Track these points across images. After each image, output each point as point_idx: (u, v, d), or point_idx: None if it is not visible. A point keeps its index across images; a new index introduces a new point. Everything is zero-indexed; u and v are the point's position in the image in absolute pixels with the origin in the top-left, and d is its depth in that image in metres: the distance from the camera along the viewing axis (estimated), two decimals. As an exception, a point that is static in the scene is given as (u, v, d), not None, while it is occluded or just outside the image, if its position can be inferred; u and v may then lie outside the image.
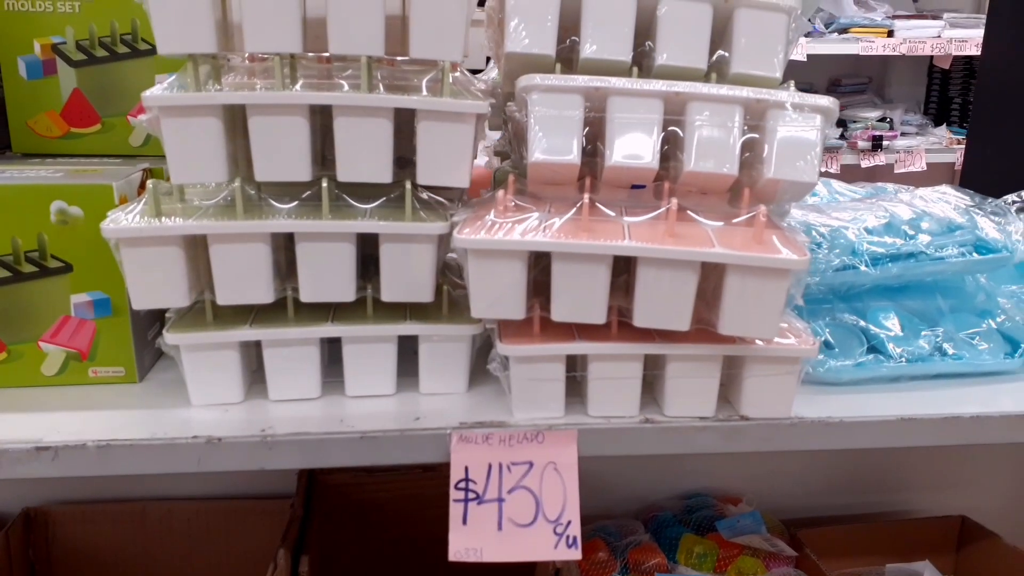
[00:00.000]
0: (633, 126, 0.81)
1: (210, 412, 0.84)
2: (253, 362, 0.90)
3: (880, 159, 3.96)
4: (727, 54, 0.85)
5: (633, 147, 0.80)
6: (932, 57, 4.07)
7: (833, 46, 3.75)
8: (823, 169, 4.12)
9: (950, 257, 0.96)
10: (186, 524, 1.21)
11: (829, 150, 3.92)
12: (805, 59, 3.64)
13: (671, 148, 0.85)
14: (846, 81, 4.26)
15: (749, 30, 0.83)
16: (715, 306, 0.79)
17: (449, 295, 0.88)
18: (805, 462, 1.31)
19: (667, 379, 0.83)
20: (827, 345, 0.94)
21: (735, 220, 0.80)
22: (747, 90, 0.81)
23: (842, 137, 3.98)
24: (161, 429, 0.80)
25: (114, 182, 0.86)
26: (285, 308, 0.86)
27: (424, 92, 0.82)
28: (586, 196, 0.78)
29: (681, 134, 0.82)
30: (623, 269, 0.83)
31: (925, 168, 4.01)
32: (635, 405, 0.84)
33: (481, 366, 0.86)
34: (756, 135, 0.82)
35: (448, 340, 0.87)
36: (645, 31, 0.85)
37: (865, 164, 3.95)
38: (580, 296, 0.78)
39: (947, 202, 1.06)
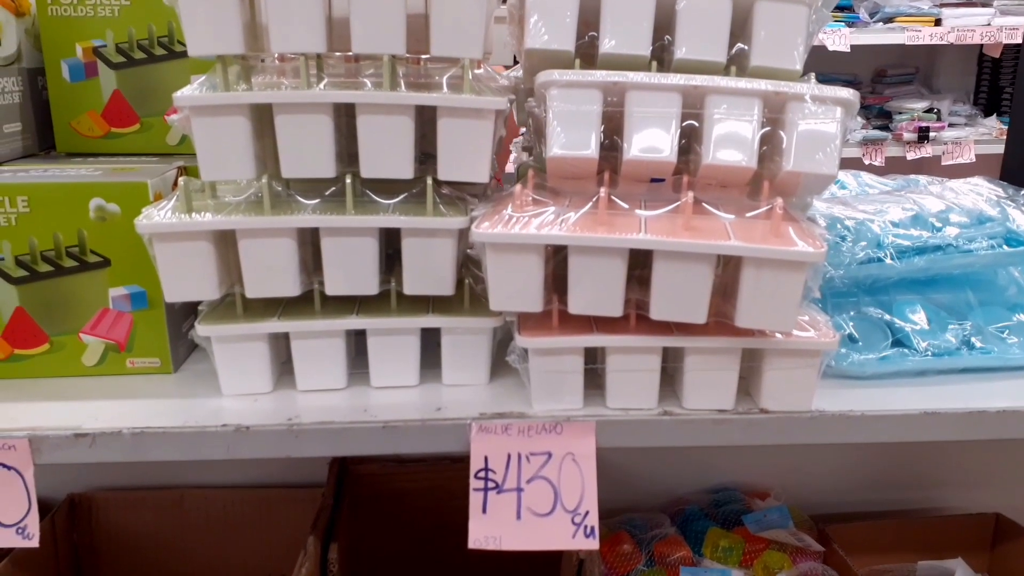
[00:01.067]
0: (651, 120, 0.81)
1: (240, 402, 0.87)
2: (283, 353, 0.93)
3: (927, 151, 3.87)
4: (747, 47, 0.85)
5: (651, 141, 0.81)
6: (982, 46, 3.97)
7: (878, 36, 3.67)
8: (867, 162, 4.02)
9: (979, 250, 0.95)
10: (222, 511, 1.25)
11: (873, 142, 3.85)
12: (848, 49, 3.58)
13: (691, 141, 0.86)
14: (892, 71, 4.17)
15: (769, 23, 0.83)
16: (733, 299, 0.79)
17: (471, 288, 0.90)
18: (836, 456, 1.30)
19: (686, 372, 0.83)
20: (851, 339, 0.94)
21: (752, 213, 0.81)
22: (765, 83, 0.81)
23: (887, 129, 3.90)
24: (192, 418, 0.83)
25: (149, 180, 0.89)
26: (313, 301, 0.88)
27: (445, 89, 0.83)
28: (602, 190, 0.79)
29: (700, 127, 0.82)
30: (641, 262, 0.84)
31: (974, 160, 3.91)
32: (653, 397, 0.84)
33: (503, 358, 0.87)
34: (776, 128, 0.82)
35: (469, 332, 0.88)
36: (664, 25, 0.86)
37: (911, 156, 3.87)
38: (596, 289, 0.79)
39: (979, 194, 1.04)
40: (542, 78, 0.83)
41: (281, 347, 0.91)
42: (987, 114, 4.06)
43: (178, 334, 0.95)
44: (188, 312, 0.97)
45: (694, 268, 0.76)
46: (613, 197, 0.82)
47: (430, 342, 0.91)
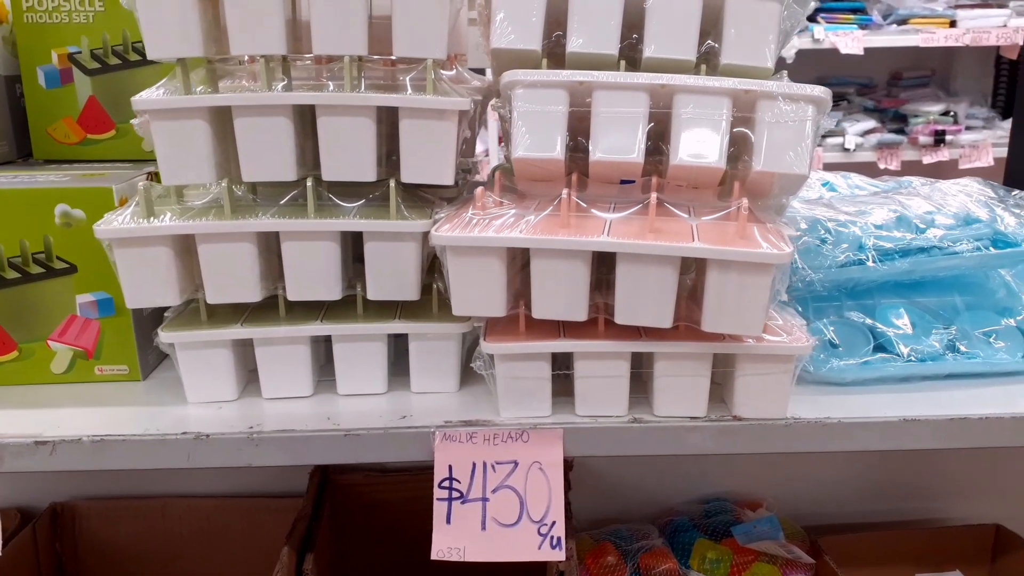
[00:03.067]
0: (618, 120, 0.79)
1: (204, 409, 0.86)
2: (251, 360, 0.91)
3: (944, 154, 3.81)
4: (717, 45, 0.83)
5: (617, 142, 0.79)
6: (999, 47, 3.91)
7: (891, 38, 3.62)
8: (882, 166, 3.97)
9: (964, 252, 0.92)
10: (205, 521, 1.24)
11: (888, 146, 3.79)
12: (862, 52, 3.53)
13: (660, 141, 0.84)
14: (908, 74, 4.11)
15: (739, 20, 0.81)
16: (702, 303, 0.77)
17: (439, 293, 0.88)
18: (832, 465, 1.27)
19: (656, 378, 0.81)
20: (832, 344, 0.91)
21: (719, 214, 0.78)
22: (734, 81, 0.79)
23: (902, 132, 3.84)
24: (155, 425, 0.82)
25: (114, 185, 0.88)
26: (277, 307, 0.87)
27: (408, 90, 0.82)
28: (565, 192, 0.77)
29: (668, 127, 0.80)
30: (609, 265, 0.82)
31: (992, 163, 3.84)
32: (623, 404, 0.82)
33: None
34: (746, 127, 0.80)
35: (438, 338, 0.87)
36: (633, 23, 0.84)
37: (928, 160, 3.80)
38: (559, 293, 0.77)
39: (968, 195, 1.01)
40: (507, 78, 0.81)
41: (249, 354, 0.90)
42: (1005, 117, 3.98)
43: (147, 341, 0.94)
44: (157, 319, 0.95)
45: (657, 271, 0.74)
46: (578, 199, 0.80)
47: (401, 348, 0.89)
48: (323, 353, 0.92)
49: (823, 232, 0.94)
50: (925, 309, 0.94)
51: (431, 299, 0.88)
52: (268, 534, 1.22)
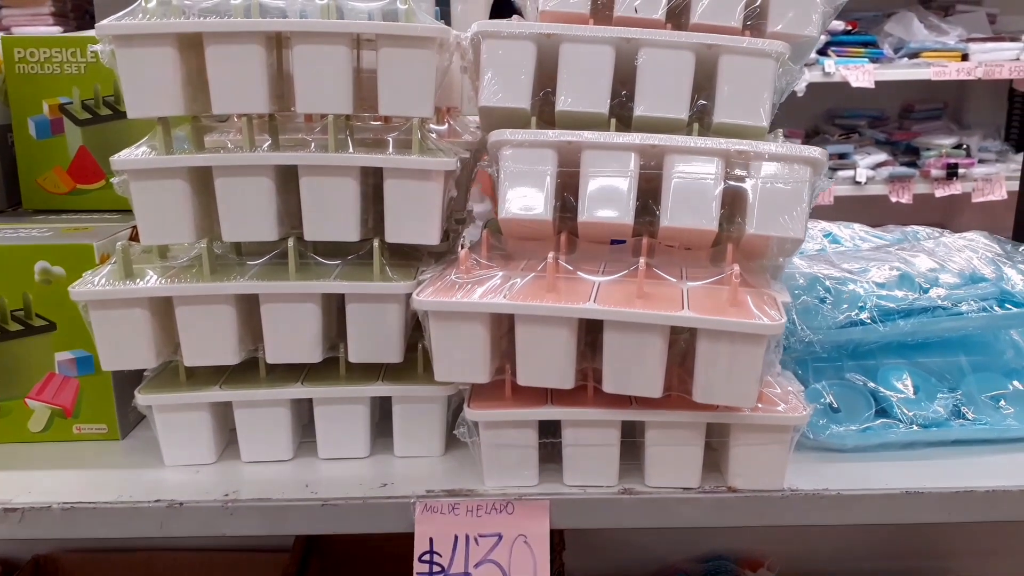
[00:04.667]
0: (607, 180, 0.77)
1: (181, 473, 0.83)
2: (231, 420, 0.89)
3: (956, 188, 3.76)
4: (710, 103, 0.81)
5: (606, 202, 0.77)
6: (1012, 81, 3.88)
7: (903, 71, 3.59)
8: (894, 199, 3.93)
9: (969, 312, 0.88)
10: (194, 573, 1.21)
11: (900, 179, 3.75)
12: (873, 86, 3.50)
13: (651, 202, 0.81)
14: (919, 107, 4.08)
15: (733, 77, 0.79)
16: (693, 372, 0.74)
17: (425, 354, 0.85)
18: (837, 523, 1.22)
19: (647, 447, 0.78)
20: (832, 408, 0.88)
21: (710, 280, 0.76)
22: (726, 141, 0.77)
23: (914, 165, 3.81)
24: (128, 491, 0.79)
25: (95, 242, 0.87)
26: (258, 369, 0.84)
27: (390, 150, 0.80)
28: (551, 255, 0.74)
29: (659, 188, 0.78)
30: (599, 329, 0.79)
31: (1005, 197, 3.80)
32: (613, 474, 0.79)
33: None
34: (740, 187, 0.78)
35: (422, 401, 0.84)
36: (624, 79, 0.82)
37: (940, 193, 3.76)
38: (545, 360, 0.74)
39: (974, 251, 0.98)
40: (493, 138, 0.79)
41: (229, 414, 0.88)
42: (1018, 150, 3.94)
43: (126, 399, 0.92)
44: (137, 377, 0.93)
45: (646, 339, 0.71)
46: (565, 262, 0.78)
47: (386, 408, 0.87)
48: (306, 412, 0.89)
49: (822, 291, 0.91)
50: (929, 371, 0.91)
51: (416, 359, 0.85)
52: (255, 590, 1.19)
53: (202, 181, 0.80)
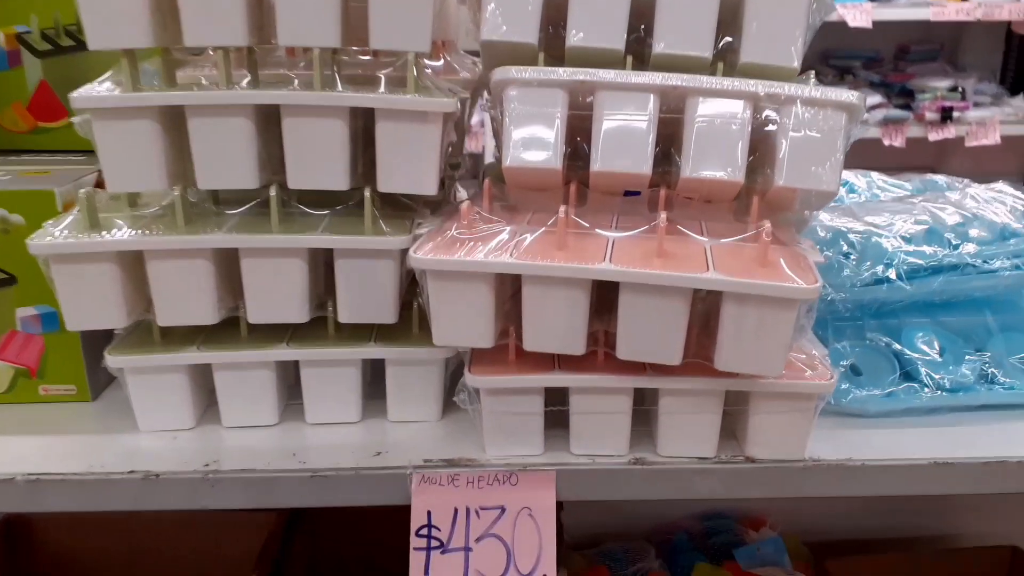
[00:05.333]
0: (623, 125, 0.70)
1: (157, 440, 0.77)
2: (211, 381, 0.82)
3: (950, 132, 3.69)
4: (736, 41, 0.74)
5: (623, 150, 0.70)
6: (1010, 23, 3.79)
7: (902, 11, 3.49)
8: (887, 143, 3.87)
9: (1002, 270, 0.83)
10: (175, 533, 1.16)
11: (894, 122, 3.68)
12: (871, 26, 3.40)
13: (671, 149, 0.74)
14: (915, 48, 3.98)
15: (763, 12, 0.72)
16: (714, 336, 0.68)
17: (421, 312, 0.79)
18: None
19: (660, 415, 0.72)
20: (853, 370, 0.83)
21: (738, 236, 0.69)
22: (756, 83, 0.69)
23: (908, 108, 3.73)
24: (99, 461, 0.73)
25: (57, 188, 0.79)
26: (238, 327, 0.78)
27: (382, 88, 0.72)
28: (562, 209, 0.68)
29: (680, 134, 0.71)
30: (611, 289, 0.73)
31: (999, 141, 3.74)
32: (624, 443, 0.74)
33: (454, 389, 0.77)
34: (769, 135, 0.71)
35: (417, 363, 0.78)
36: (642, 14, 0.74)
37: (933, 137, 3.69)
38: (555, 324, 0.68)
39: (1002, 202, 0.92)
40: (498, 76, 0.71)
41: (209, 376, 0.81)
42: (1013, 93, 3.87)
43: (97, 358, 0.84)
44: (109, 333, 0.86)
45: (666, 303, 0.65)
46: (577, 216, 0.71)
47: (379, 369, 0.80)
48: (292, 372, 0.83)
49: (846, 246, 0.85)
50: (955, 331, 0.86)
51: (411, 317, 0.79)
52: (241, 546, 1.14)
53: (174, 121, 0.72)
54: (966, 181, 1.10)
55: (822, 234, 0.87)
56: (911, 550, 1.19)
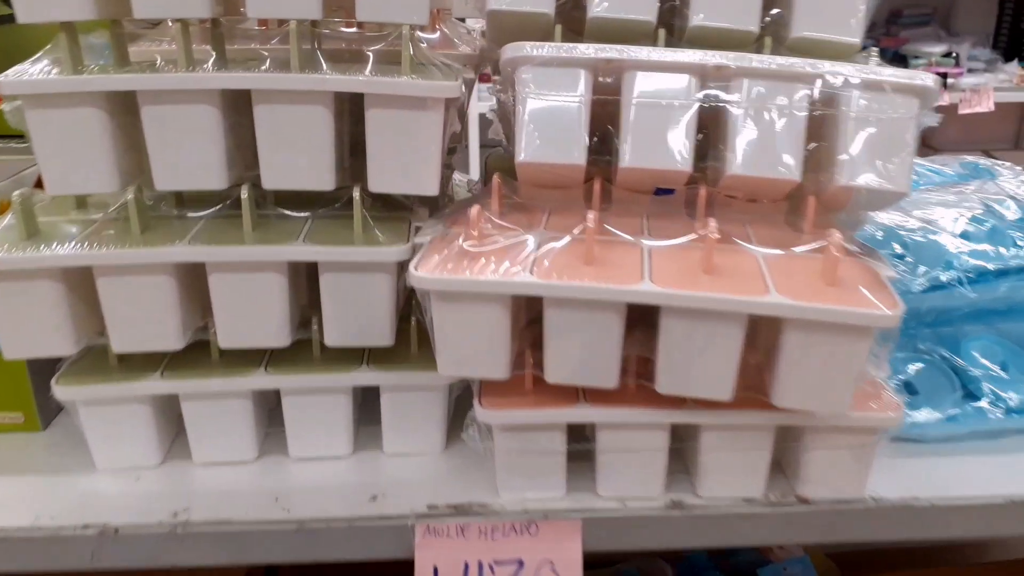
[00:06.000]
0: (657, 112, 0.59)
1: (117, 481, 0.67)
2: (180, 410, 0.72)
3: (944, 99, 3.59)
4: (787, 11, 0.63)
5: (657, 142, 0.59)
6: (1006, -16, 3.69)
7: (894, -26, 3.39)
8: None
9: (1077, 274, 0.73)
10: None
11: (887, 90, 3.56)
12: (863, -11, 3.27)
13: (710, 138, 0.64)
14: (908, 12, 3.88)
15: (820, -23, 0.61)
16: (768, 365, 0.58)
17: (421, 328, 0.68)
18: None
19: (702, 452, 0.62)
20: (908, 389, 0.73)
21: (796, 247, 0.59)
22: (815, 63, 0.59)
23: (902, 75, 3.62)
24: (48, 510, 0.63)
25: (-10, 186, 0.67)
26: (209, 350, 0.67)
27: (369, 68, 0.60)
28: (590, 216, 0.57)
29: (723, 122, 0.60)
30: (644, 309, 0.63)
31: (993, 108, 3.65)
32: (659, 483, 0.64)
33: (463, 415, 0.67)
34: (826, 124, 0.60)
35: (418, 390, 0.68)
36: (677, -20, 0.63)
37: (927, 104, 3.59)
38: (583, 353, 0.57)
39: (1066, 193, 0.83)
40: (510, 53, 0.60)
41: (177, 404, 0.70)
42: (1008, 59, 3.78)
43: (47, 381, 0.73)
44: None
45: (719, 331, 0.55)
46: (605, 224, 0.60)
47: (373, 391, 0.70)
48: (272, 397, 0.72)
49: (898, 247, 0.75)
50: (1018, 341, 0.76)
51: (408, 334, 0.68)
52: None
53: (125, 109, 0.61)
54: (1008, 164, 1.00)
55: (869, 230, 0.77)
56: (944, 559, 1.12)
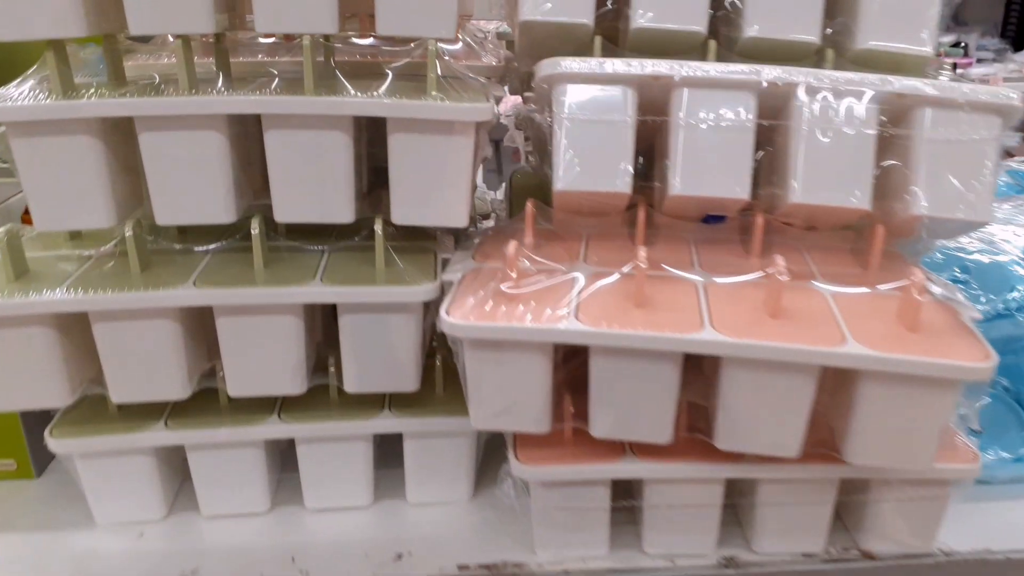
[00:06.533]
0: (712, 134, 0.54)
1: (118, 537, 0.61)
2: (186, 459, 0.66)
3: (953, 90, 3.53)
4: (851, 20, 0.57)
5: (712, 167, 0.54)
6: (1013, -26, 3.63)
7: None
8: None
9: None
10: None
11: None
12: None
13: (767, 160, 0.58)
14: (915, 1, 3.81)
15: (888, -17, 0.55)
16: (835, 416, 0.53)
17: (447, 367, 0.63)
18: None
19: (759, 506, 0.57)
20: (970, 428, 0.68)
21: (866, 286, 0.54)
22: (886, 79, 0.53)
23: (910, 65, 3.56)
24: (44, 572, 0.57)
25: (-26, 218, 0.61)
26: (216, 396, 0.61)
27: (387, 88, 0.55)
28: (642, 252, 0.51)
29: (783, 144, 0.55)
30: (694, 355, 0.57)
31: (1002, 99, 3.58)
32: (711, 539, 0.59)
33: (492, 458, 0.62)
34: (893, 145, 0.55)
35: (444, 436, 0.62)
36: (728, -13, 0.57)
37: (934, 95, 3.53)
38: (634, 407, 0.52)
39: None
40: (547, 70, 0.54)
41: (182, 453, 0.65)
42: (1016, 49, 3.72)
43: (42, 425, 0.68)
44: (52, 394, 0.70)
45: (789, 384, 0.49)
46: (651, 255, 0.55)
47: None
48: (286, 441, 0.66)
49: (958, 270, 0.70)
50: (1086, 371, 0.71)
51: (433, 375, 0.63)
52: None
53: (122, 134, 0.55)
54: (1058, 173, 0.95)
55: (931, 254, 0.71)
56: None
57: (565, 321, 0.49)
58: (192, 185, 0.54)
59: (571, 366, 0.57)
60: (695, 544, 0.58)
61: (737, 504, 0.60)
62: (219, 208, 0.55)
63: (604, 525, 0.58)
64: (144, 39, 0.65)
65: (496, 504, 0.64)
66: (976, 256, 0.71)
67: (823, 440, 0.54)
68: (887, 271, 0.55)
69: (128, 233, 0.55)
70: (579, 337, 0.49)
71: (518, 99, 0.75)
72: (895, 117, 0.54)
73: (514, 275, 0.52)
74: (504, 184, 0.94)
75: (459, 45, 0.70)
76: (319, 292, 0.55)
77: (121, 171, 0.55)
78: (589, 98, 0.54)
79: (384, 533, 0.61)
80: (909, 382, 0.47)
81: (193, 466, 0.61)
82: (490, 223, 0.88)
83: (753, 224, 0.57)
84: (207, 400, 0.61)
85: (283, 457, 0.67)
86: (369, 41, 0.62)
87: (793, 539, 0.58)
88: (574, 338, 0.49)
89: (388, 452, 0.66)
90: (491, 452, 0.66)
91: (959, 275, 0.70)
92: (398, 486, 0.65)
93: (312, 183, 0.55)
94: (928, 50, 0.57)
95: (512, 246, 0.52)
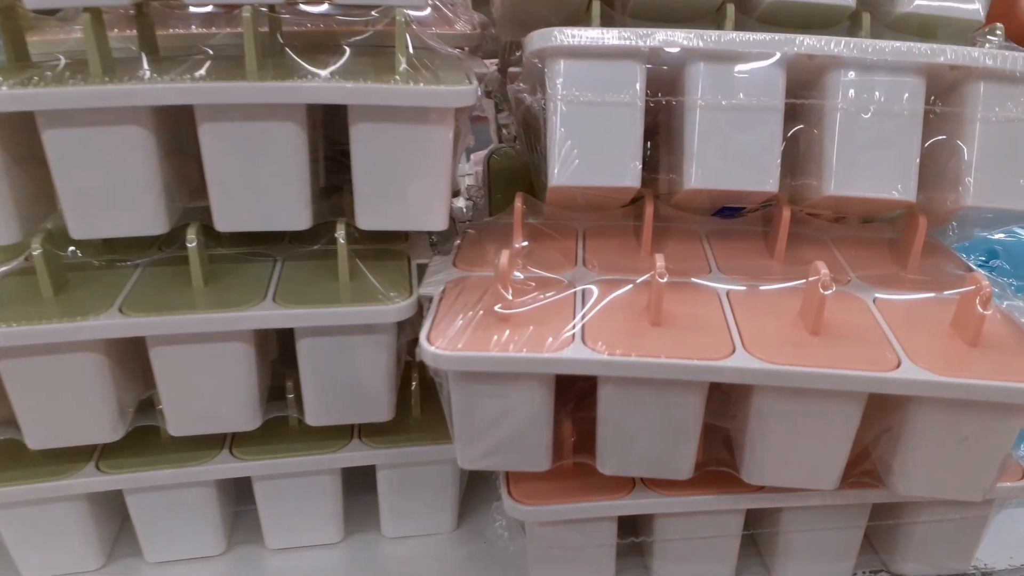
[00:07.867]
0: (734, 118, 0.46)
1: (49, 596, 0.53)
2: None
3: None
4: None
5: (734, 155, 0.46)
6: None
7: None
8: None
9: None
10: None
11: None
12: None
13: (788, 145, 0.50)
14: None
15: (932, -66, 0.47)
16: (877, 440, 0.46)
17: (424, 387, 0.55)
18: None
19: (782, 533, 0.51)
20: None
21: (911, 290, 0.47)
22: (934, 48, 0.45)
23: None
24: (-42, 650, 0.49)
25: None
26: (157, 429, 0.52)
27: (344, 61, 0.45)
28: (659, 261, 0.43)
29: (814, 126, 0.47)
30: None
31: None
32: (729, 569, 0.52)
33: (478, 482, 0.54)
34: (938, 124, 0.47)
35: (422, 465, 0.54)
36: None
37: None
38: (651, 441, 0.44)
39: None
40: (538, 42, 0.46)
41: (120, 493, 0.56)
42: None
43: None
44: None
45: (832, 412, 0.42)
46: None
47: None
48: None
49: (986, 255, 0.64)
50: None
51: (407, 395, 0.55)
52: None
53: (25, 131, 0.45)
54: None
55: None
56: None
57: (571, 347, 0.41)
58: (112, 192, 0.44)
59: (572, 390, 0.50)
60: (711, 575, 0.52)
61: (757, 531, 0.53)
62: (146, 218, 0.45)
63: (610, 561, 0.51)
64: (50, 12, 0.54)
65: (479, 531, 0.56)
66: (999, 236, 0.65)
67: (854, 458, 0.48)
68: (931, 270, 0.48)
69: (36, 251, 0.45)
70: (590, 367, 0.41)
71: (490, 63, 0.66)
72: (945, 88, 0.47)
73: (509, 295, 0.43)
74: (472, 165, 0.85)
75: (428, 11, 0.61)
76: (270, 316, 0.46)
77: (24, 176, 0.45)
78: (590, 76, 0.45)
79: (357, 571, 0.54)
80: (973, 408, 0.41)
81: (133, 510, 0.53)
82: (460, 204, 0.80)
83: (777, 218, 0.49)
84: (146, 435, 0.52)
85: (239, 489, 0.59)
86: (323, 8, 0.53)
87: (820, 566, 0.52)
88: (584, 368, 0.41)
89: (360, 477, 0.58)
90: (478, 473, 0.58)
91: (986, 259, 0.64)
92: (372, 517, 0.57)
93: (258, 185, 0.45)
94: (980, 10, 0.49)
95: (505, 257, 0.44)
